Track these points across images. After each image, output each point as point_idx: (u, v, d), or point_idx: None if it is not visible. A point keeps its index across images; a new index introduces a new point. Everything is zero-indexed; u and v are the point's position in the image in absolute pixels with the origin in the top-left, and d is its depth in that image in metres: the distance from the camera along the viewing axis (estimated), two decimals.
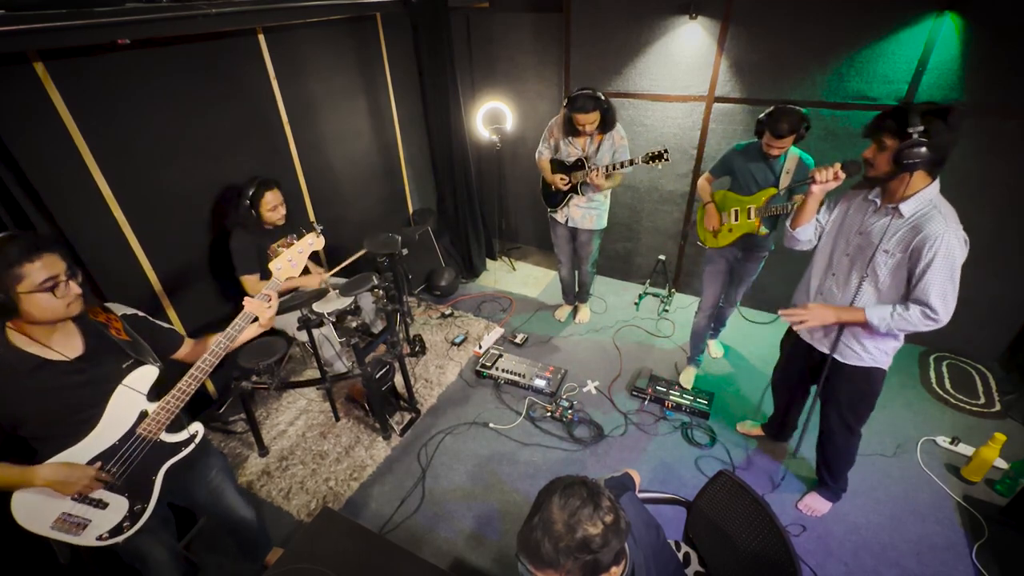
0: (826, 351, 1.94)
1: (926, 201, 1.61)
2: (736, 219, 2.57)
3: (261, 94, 2.80)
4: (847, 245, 1.82)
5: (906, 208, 1.62)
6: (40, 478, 1.29)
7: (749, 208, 2.51)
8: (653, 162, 2.66)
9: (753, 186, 2.50)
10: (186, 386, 1.44)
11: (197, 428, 1.57)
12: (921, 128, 1.48)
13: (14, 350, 1.27)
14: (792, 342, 2.17)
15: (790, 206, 2.35)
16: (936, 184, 1.62)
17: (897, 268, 1.67)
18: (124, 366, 1.41)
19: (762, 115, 2.33)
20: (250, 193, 2.50)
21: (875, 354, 1.85)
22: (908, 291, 1.67)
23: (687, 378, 3.05)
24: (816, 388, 2.07)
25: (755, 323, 3.57)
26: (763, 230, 2.54)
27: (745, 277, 2.84)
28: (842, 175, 1.75)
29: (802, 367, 2.13)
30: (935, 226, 1.56)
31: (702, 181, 2.75)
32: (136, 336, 1.48)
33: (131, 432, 1.40)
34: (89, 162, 2.14)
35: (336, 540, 1.60)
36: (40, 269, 1.21)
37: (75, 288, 1.28)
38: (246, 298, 1.55)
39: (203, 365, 1.45)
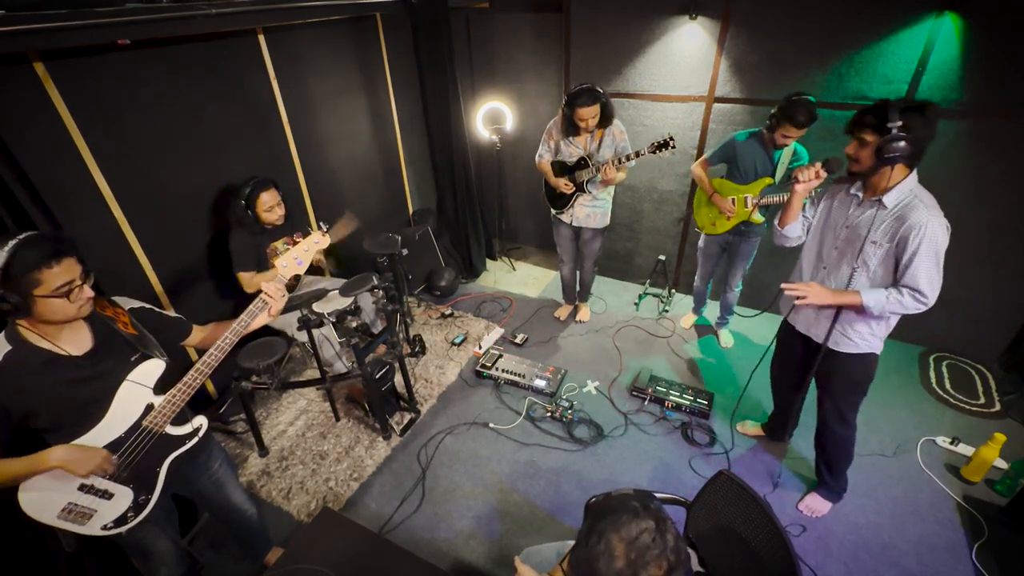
0: (820, 341, 1.96)
1: (907, 192, 1.68)
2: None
3: (261, 94, 2.80)
4: (835, 239, 1.87)
5: (889, 199, 1.69)
6: (52, 459, 1.30)
7: (746, 197, 2.63)
8: (660, 151, 2.60)
9: (752, 175, 2.63)
10: (192, 380, 1.45)
11: (201, 421, 1.59)
12: (900, 123, 1.55)
13: (26, 345, 1.29)
14: (787, 332, 2.18)
15: (785, 196, 2.45)
16: (914, 175, 1.69)
17: (886, 257, 1.73)
18: (131, 359, 1.43)
19: (777, 107, 2.43)
20: (246, 193, 2.50)
21: (870, 340, 1.89)
22: (896, 277, 1.73)
23: (687, 321, 3.54)
24: (814, 381, 2.10)
25: (752, 320, 3.57)
26: (757, 218, 2.67)
27: (739, 259, 2.96)
28: (823, 173, 1.82)
29: (798, 358, 2.14)
30: (919, 215, 1.62)
31: (698, 168, 2.83)
32: (143, 330, 1.49)
33: (137, 424, 1.42)
34: (89, 162, 2.14)
35: (336, 540, 1.60)
36: (58, 274, 1.22)
37: (88, 291, 1.30)
38: (264, 282, 1.57)
39: (209, 360, 1.46)
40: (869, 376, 1.98)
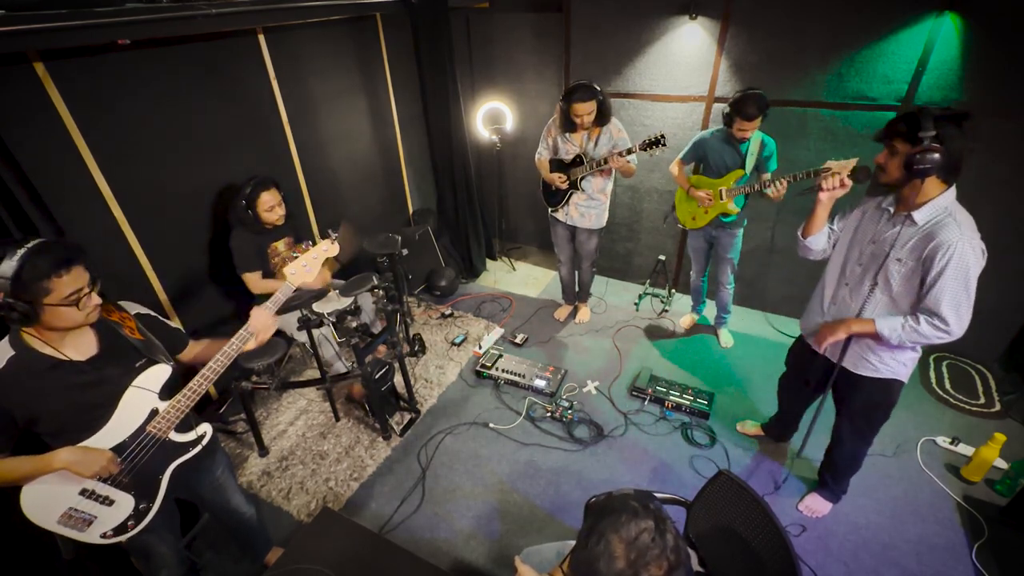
0: (835, 360, 1.90)
1: (940, 209, 1.55)
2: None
3: (261, 94, 2.80)
4: (860, 255, 1.77)
5: (919, 216, 1.57)
6: (58, 460, 1.29)
7: (721, 190, 2.73)
8: (651, 148, 2.60)
9: (723, 169, 2.72)
10: (197, 386, 1.44)
11: (206, 428, 1.57)
12: (933, 133, 1.44)
13: (30, 351, 1.28)
14: (802, 346, 2.13)
15: (757, 185, 2.55)
16: (952, 192, 1.56)
17: (911, 276, 1.62)
18: (137, 365, 1.42)
19: (728, 104, 2.55)
20: (246, 193, 2.50)
21: (892, 365, 1.80)
22: (918, 299, 1.62)
23: (687, 321, 3.55)
24: (828, 393, 2.05)
25: (752, 320, 3.58)
26: (733, 208, 2.76)
27: (724, 253, 3.04)
28: (848, 182, 1.71)
29: (811, 373, 2.08)
30: (948, 234, 1.50)
31: (674, 166, 2.96)
32: (149, 335, 1.49)
33: (141, 430, 1.41)
34: (89, 162, 2.14)
35: (336, 540, 1.60)
36: (68, 283, 1.22)
37: (96, 299, 1.30)
38: (253, 310, 1.55)
39: (215, 366, 1.45)
40: (891, 402, 1.88)
